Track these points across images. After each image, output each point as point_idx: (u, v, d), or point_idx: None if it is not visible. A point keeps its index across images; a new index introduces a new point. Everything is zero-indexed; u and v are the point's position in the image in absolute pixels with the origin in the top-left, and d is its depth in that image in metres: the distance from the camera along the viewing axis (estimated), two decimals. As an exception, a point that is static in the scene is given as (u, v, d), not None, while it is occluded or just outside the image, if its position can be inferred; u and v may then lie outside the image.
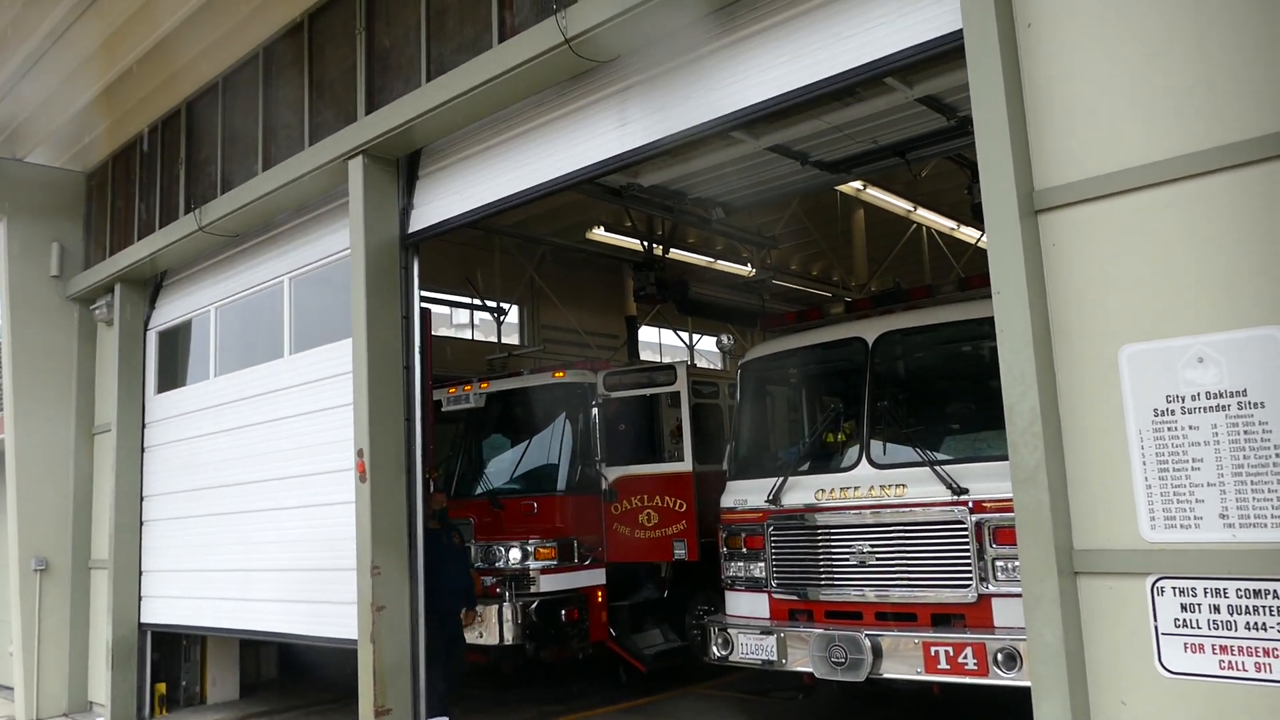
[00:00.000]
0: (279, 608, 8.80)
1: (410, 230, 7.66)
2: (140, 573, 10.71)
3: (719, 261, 16.11)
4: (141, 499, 10.87)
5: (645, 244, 13.34)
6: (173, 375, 10.95)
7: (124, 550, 10.54)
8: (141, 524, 10.82)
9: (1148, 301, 4.00)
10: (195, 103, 9.93)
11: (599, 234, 14.48)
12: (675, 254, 13.93)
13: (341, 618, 7.66)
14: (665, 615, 10.46)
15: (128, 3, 8.48)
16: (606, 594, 9.99)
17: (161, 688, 10.49)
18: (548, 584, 9.53)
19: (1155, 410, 4.03)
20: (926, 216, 14.62)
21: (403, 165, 7.75)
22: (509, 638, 9.19)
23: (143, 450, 10.91)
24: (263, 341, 9.52)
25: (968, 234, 15.50)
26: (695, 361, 18.14)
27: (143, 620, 10.66)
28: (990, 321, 7.37)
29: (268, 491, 9.07)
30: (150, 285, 10.96)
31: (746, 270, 16.17)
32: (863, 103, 7.93)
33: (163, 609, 10.47)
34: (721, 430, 10.43)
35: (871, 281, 14.27)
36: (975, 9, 4.51)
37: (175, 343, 11.04)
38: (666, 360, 16.39)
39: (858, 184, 11.71)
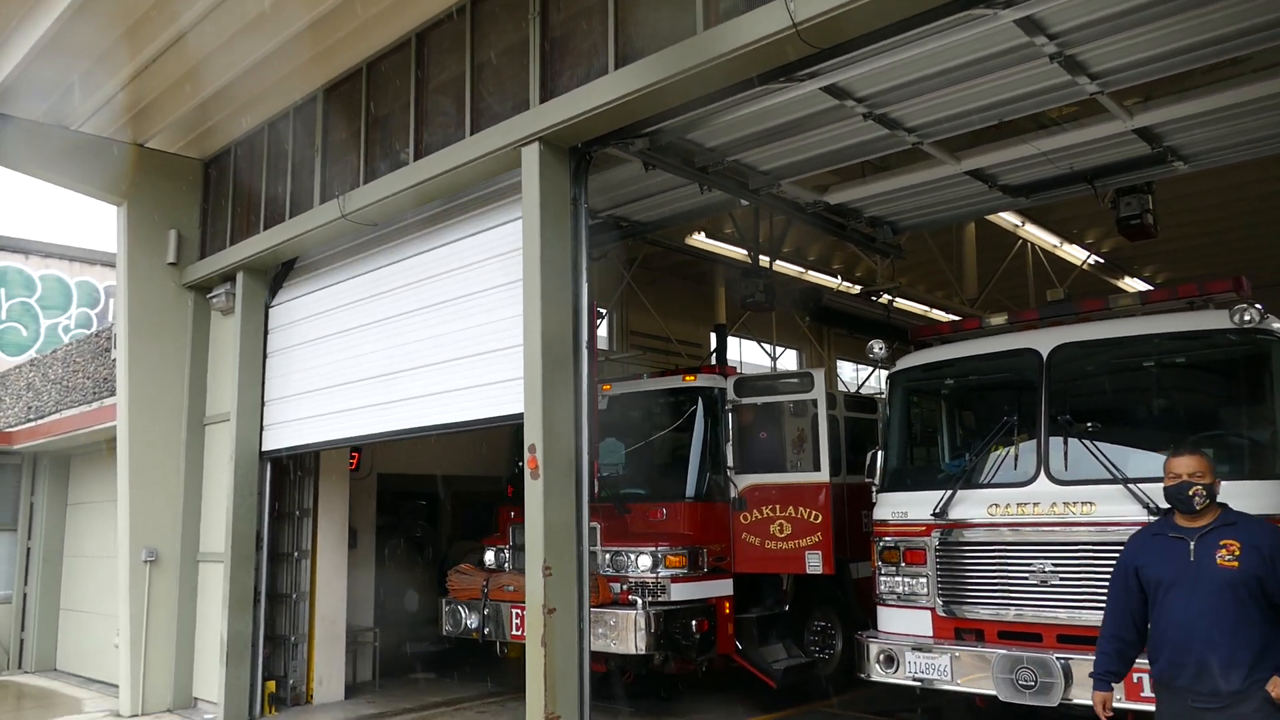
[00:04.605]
0: (430, 402, 8.66)
1: (582, 221, 7.44)
2: (262, 404, 10.61)
3: (809, 272, 15.91)
4: (266, 331, 10.78)
5: (752, 252, 13.11)
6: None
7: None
8: (265, 356, 10.72)
9: None
10: (333, 90, 9.76)
11: (699, 240, 14.28)
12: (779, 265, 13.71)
13: (505, 394, 7.70)
14: (787, 630, 10.18)
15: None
16: (733, 605, 9.72)
17: (271, 686, 10.26)
18: (678, 593, 9.26)
19: None
20: (1033, 232, 14.39)
21: (573, 155, 7.54)
22: (641, 647, 8.88)
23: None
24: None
25: (1070, 252, 15.24)
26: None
27: (264, 448, 10.52)
28: (1179, 337, 7.27)
29: (418, 292, 8.96)
30: (273, 273, 10.79)
31: (835, 282, 15.94)
32: (1079, 129, 7.83)
33: (288, 434, 10.33)
34: (837, 441, 10.16)
35: (980, 297, 14.03)
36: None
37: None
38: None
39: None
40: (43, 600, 15.14)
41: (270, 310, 10.86)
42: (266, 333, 10.81)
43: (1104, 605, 6.54)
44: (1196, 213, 13.78)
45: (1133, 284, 17.03)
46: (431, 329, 8.77)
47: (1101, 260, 15.84)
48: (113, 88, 10.02)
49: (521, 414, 7.22)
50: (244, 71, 9.61)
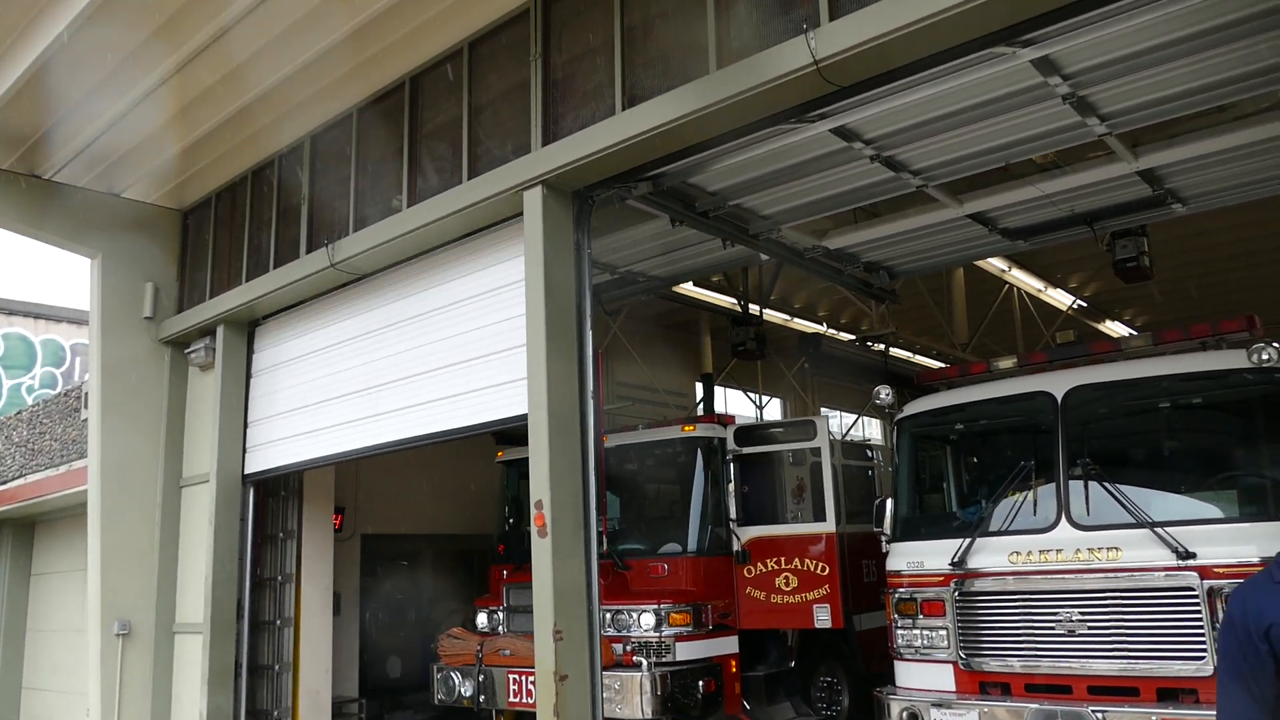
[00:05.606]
0: (421, 411, 8.47)
1: (585, 267, 7.21)
2: (245, 425, 10.27)
3: (794, 319, 15.78)
4: (250, 352, 10.47)
5: (742, 301, 12.97)
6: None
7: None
8: (249, 377, 10.40)
9: None
10: (320, 137, 9.51)
11: (687, 288, 14.10)
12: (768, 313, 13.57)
13: (504, 398, 7.58)
14: (794, 687, 9.84)
15: (254, 39, 8.08)
16: (739, 663, 9.37)
17: (253, 763, 9.72)
18: (684, 652, 8.90)
19: None
20: (1019, 277, 14.40)
21: (576, 198, 7.33)
22: (648, 711, 8.49)
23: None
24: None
25: (1055, 297, 15.26)
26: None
27: (246, 471, 10.15)
28: (1197, 377, 7.15)
29: (403, 307, 8.77)
30: (252, 327, 10.43)
31: (822, 329, 15.81)
32: (1083, 171, 7.79)
33: (271, 455, 10.02)
34: (839, 489, 9.92)
35: (971, 342, 13.96)
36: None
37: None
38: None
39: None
40: (4, 678, 14.39)
41: (254, 330, 10.63)
42: (250, 360, 10.53)
43: (1138, 654, 6.47)
44: (1176, 256, 13.86)
45: (1115, 327, 17.11)
46: (419, 338, 8.59)
47: (1084, 304, 15.89)
48: (87, 137, 9.70)
49: (516, 416, 7.15)
50: (225, 120, 9.34)
